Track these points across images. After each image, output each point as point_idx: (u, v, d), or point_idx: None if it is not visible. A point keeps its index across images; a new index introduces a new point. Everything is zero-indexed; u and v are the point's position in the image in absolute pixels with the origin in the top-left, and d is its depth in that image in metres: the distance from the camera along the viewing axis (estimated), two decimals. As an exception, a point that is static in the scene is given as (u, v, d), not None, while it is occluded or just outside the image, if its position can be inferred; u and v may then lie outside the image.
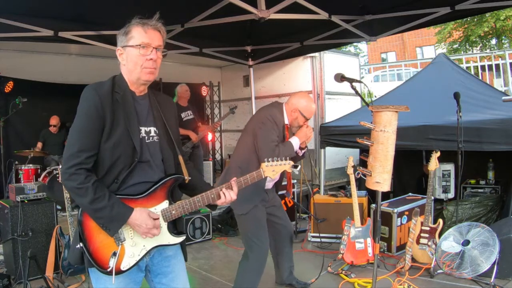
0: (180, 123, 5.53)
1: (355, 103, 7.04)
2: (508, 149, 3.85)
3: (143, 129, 1.69)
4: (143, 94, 1.74)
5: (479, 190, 4.80)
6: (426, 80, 5.28)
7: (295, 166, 1.89)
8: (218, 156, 8.79)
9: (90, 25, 4.15)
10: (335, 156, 6.50)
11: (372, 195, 4.54)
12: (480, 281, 3.25)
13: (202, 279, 3.68)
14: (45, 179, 5.12)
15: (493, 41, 14.59)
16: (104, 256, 1.58)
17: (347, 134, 4.88)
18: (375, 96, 7.98)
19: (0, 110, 5.70)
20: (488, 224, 4.00)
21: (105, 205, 1.53)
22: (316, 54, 6.60)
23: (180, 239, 1.75)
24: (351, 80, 2.52)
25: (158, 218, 1.65)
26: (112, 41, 4.40)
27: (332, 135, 5.13)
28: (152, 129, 1.72)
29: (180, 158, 1.80)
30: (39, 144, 5.97)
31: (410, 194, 4.69)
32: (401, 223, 4.15)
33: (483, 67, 10.73)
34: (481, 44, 14.63)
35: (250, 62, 5.95)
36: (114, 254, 1.58)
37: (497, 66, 10.40)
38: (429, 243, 3.65)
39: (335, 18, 4.19)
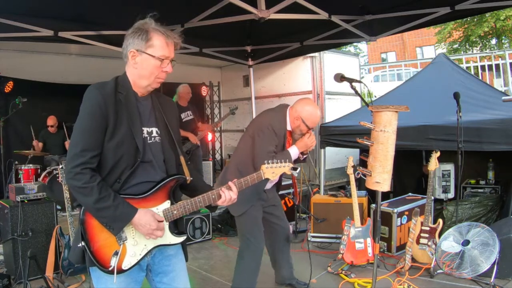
0: (179, 124, 5.55)
1: (355, 103, 7.04)
2: (508, 149, 3.85)
3: (145, 129, 1.70)
4: (145, 95, 1.75)
5: (479, 190, 4.80)
6: (426, 80, 5.28)
7: (295, 169, 1.90)
8: (218, 156, 8.79)
9: (90, 25, 4.15)
10: (335, 156, 6.50)
11: (372, 195, 4.54)
12: (480, 281, 3.25)
13: (202, 279, 3.68)
14: (45, 179, 5.12)
15: (493, 41, 14.59)
16: (106, 255, 1.59)
17: (347, 134, 4.88)
18: (375, 96, 7.97)
19: (0, 110, 5.70)
20: (488, 224, 4.00)
21: (109, 205, 1.53)
22: (316, 54, 6.59)
23: (181, 239, 1.75)
24: (351, 80, 2.52)
25: (162, 221, 1.66)
26: (112, 41, 4.40)
27: (332, 135, 5.13)
28: (154, 129, 1.73)
29: (182, 158, 1.82)
30: (40, 144, 5.96)
31: (410, 194, 4.69)
32: (401, 223, 4.15)
33: (483, 67, 10.72)
34: (481, 44, 14.63)
35: (250, 62, 5.95)
36: (116, 253, 1.58)
37: (497, 66, 10.40)
38: (429, 243, 3.65)
39: (335, 18, 4.19)
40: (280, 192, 4.00)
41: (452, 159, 4.39)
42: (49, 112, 6.11)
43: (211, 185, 1.89)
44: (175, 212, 1.70)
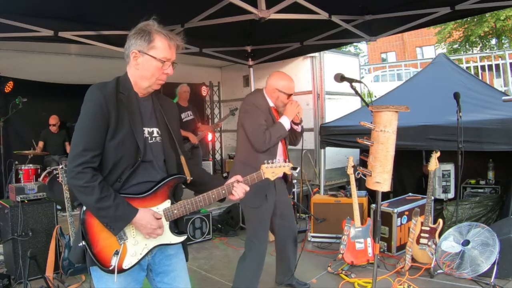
0: (180, 124, 5.55)
1: (355, 103, 7.04)
2: (508, 149, 3.85)
3: (146, 129, 1.70)
4: (146, 95, 1.76)
5: (479, 190, 4.79)
6: (426, 80, 5.27)
7: (294, 168, 1.90)
8: (218, 156, 8.79)
9: (90, 25, 4.14)
10: (335, 156, 6.50)
11: (372, 195, 4.54)
12: (480, 281, 3.25)
13: (202, 279, 3.68)
14: (45, 179, 5.12)
15: (493, 41, 14.59)
16: (106, 255, 1.59)
17: (347, 134, 4.88)
18: (375, 96, 7.98)
19: (0, 110, 5.70)
20: (488, 224, 4.00)
21: (110, 204, 1.54)
22: (316, 54, 6.59)
23: (182, 238, 1.76)
24: (351, 80, 2.52)
25: (161, 218, 1.66)
26: (112, 41, 4.40)
27: (332, 135, 5.13)
28: (155, 130, 1.74)
29: (182, 158, 1.82)
30: (40, 144, 5.97)
31: (410, 194, 4.69)
32: (401, 223, 4.15)
33: (483, 67, 10.72)
34: (481, 44, 14.63)
35: (250, 62, 5.95)
36: (116, 252, 1.59)
37: (497, 66, 10.40)
38: (429, 243, 3.65)
39: (335, 18, 4.19)
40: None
41: (452, 159, 4.39)
42: (49, 112, 6.11)
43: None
44: (175, 211, 1.70)
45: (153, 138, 1.72)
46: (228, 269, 3.86)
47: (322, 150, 5.37)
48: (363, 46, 23.50)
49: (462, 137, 3.67)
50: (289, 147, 3.20)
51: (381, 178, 2.14)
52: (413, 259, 3.67)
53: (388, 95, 5.57)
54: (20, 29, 3.75)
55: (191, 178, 1.80)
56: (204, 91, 8.03)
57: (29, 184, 3.69)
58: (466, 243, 3.35)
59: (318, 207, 4.67)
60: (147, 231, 1.61)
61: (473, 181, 4.93)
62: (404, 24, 4.41)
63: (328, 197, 4.81)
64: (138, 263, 1.65)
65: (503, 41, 14.04)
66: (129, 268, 1.62)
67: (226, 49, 5.60)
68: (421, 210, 3.80)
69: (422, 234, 3.69)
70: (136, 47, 1.64)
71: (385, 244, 4.12)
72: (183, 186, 1.87)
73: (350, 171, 3.93)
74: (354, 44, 19.97)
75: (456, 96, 3.76)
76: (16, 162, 5.37)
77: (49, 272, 3.42)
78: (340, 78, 2.55)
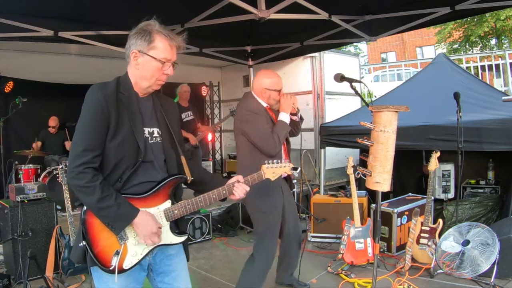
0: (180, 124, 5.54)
1: (355, 103, 7.04)
2: (508, 149, 3.85)
3: (146, 129, 1.71)
4: (146, 95, 1.76)
5: (479, 190, 4.79)
6: (426, 80, 5.27)
7: (295, 169, 1.90)
8: (218, 156, 8.79)
9: (90, 25, 4.15)
10: (335, 156, 6.50)
11: (372, 195, 4.54)
12: (480, 281, 3.25)
13: (202, 279, 3.68)
14: (45, 179, 5.12)
15: (493, 41, 14.59)
16: (107, 255, 1.59)
17: (347, 134, 4.88)
18: (375, 96, 7.97)
19: (0, 110, 5.70)
20: (488, 224, 4.00)
21: (111, 204, 1.54)
22: (316, 54, 6.59)
23: (182, 238, 1.76)
24: (351, 80, 2.52)
25: (161, 227, 1.66)
26: (112, 41, 4.40)
27: (332, 135, 5.13)
28: (155, 130, 1.74)
29: (183, 158, 1.82)
30: (38, 143, 5.96)
31: (410, 194, 4.69)
32: (401, 223, 4.15)
33: (483, 67, 10.72)
34: (481, 44, 14.63)
35: (250, 62, 5.95)
36: (117, 252, 1.59)
37: (497, 66, 10.40)
38: (429, 243, 3.65)
39: (335, 18, 4.19)
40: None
41: (452, 159, 4.40)
42: (49, 112, 6.11)
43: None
44: (176, 211, 1.70)
45: (154, 138, 1.72)
46: (228, 269, 3.86)
47: (322, 150, 5.37)
48: (363, 46, 23.53)
49: (462, 137, 3.67)
50: (291, 147, 3.20)
51: (381, 178, 2.14)
52: (413, 259, 3.67)
53: (388, 95, 5.57)
54: (20, 29, 3.75)
55: (192, 178, 1.80)
56: (204, 91, 8.03)
57: (29, 184, 3.69)
58: (466, 243, 3.35)
59: (318, 207, 4.67)
60: (145, 233, 1.60)
61: (473, 181, 4.93)
62: (404, 24, 4.41)
63: (328, 197, 4.81)
64: (138, 263, 1.65)
65: (503, 41, 14.04)
66: (129, 268, 1.62)
67: (226, 49, 5.60)
68: (421, 210, 3.79)
69: (422, 234, 3.69)
70: (137, 47, 1.64)
71: (385, 244, 4.12)
72: (184, 186, 1.87)
73: (350, 171, 3.93)
74: (354, 44, 19.97)
75: (456, 96, 3.76)
76: (16, 162, 5.37)
77: (49, 272, 3.42)
78: (340, 78, 2.55)
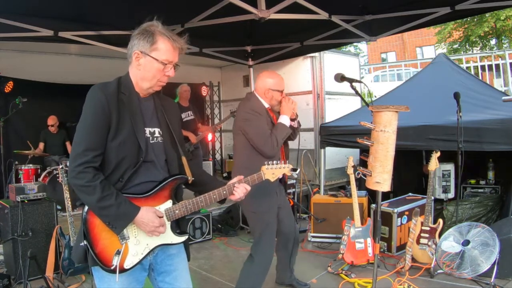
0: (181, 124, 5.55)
1: (355, 103, 7.04)
2: (508, 149, 3.85)
3: (147, 129, 1.71)
4: (147, 96, 1.76)
5: (479, 190, 4.79)
6: (426, 80, 5.27)
7: (294, 170, 1.91)
8: (218, 156, 8.79)
9: (90, 25, 4.15)
10: (335, 156, 6.50)
11: (372, 195, 4.54)
12: (480, 281, 3.25)
13: (202, 279, 3.68)
14: (45, 179, 5.12)
15: (493, 41, 14.59)
16: (108, 254, 1.60)
17: (347, 134, 4.88)
18: (375, 96, 7.97)
19: (0, 110, 5.70)
20: (488, 224, 4.00)
21: (112, 203, 1.54)
22: (316, 54, 6.59)
23: (183, 238, 1.77)
24: (351, 80, 2.52)
25: (162, 216, 1.67)
26: (112, 41, 4.40)
27: (332, 135, 5.13)
28: (157, 130, 1.75)
29: (184, 159, 1.82)
30: (41, 145, 5.97)
31: (410, 194, 4.69)
32: (401, 223, 4.15)
33: (483, 67, 10.72)
34: (481, 44, 14.63)
35: (250, 62, 5.95)
36: (118, 252, 1.59)
37: (497, 66, 10.40)
38: (429, 243, 3.65)
39: (335, 18, 4.19)
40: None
41: (452, 159, 4.39)
42: (49, 112, 6.11)
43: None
44: (177, 211, 1.71)
45: (155, 138, 1.73)
46: (228, 269, 3.86)
47: (322, 150, 5.37)
48: (363, 46, 23.54)
49: (462, 137, 3.67)
50: (290, 147, 3.20)
51: (381, 178, 2.14)
52: (413, 259, 3.67)
53: (388, 95, 5.57)
54: (20, 29, 3.75)
55: (193, 178, 1.80)
56: (204, 91, 8.03)
57: (29, 184, 3.68)
58: (466, 243, 3.35)
59: (318, 207, 4.67)
60: (149, 229, 1.61)
61: (473, 181, 4.92)
62: (404, 24, 4.41)
63: (328, 197, 4.81)
64: (139, 262, 1.66)
65: (503, 41, 14.04)
66: (130, 268, 1.62)
67: (226, 49, 5.60)
68: (421, 210, 3.79)
69: (422, 234, 3.69)
70: (139, 47, 1.65)
71: (385, 244, 4.12)
72: (183, 186, 1.87)
73: (350, 171, 3.93)
74: (354, 44, 19.98)
75: (456, 96, 3.76)
76: (16, 162, 5.37)
77: (49, 272, 3.42)
78: (340, 78, 2.55)
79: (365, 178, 2.23)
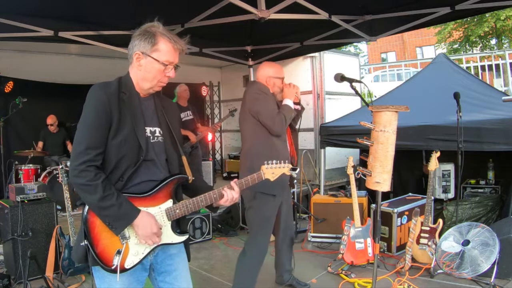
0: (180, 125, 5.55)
1: (355, 103, 7.04)
2: (508, 149, 3.85)
3: (148, 129, 1.71)
4: (147, 96, 1.77)
5: (479, 190, 4.79)
6: (426, 80, 5.28)
7: (294, 169, 1.91)
8: (218, 156, 8.79)
9: (90, 25, 4.14)
10: (335, 156, 6.50)
11: (372, 195, 4.54)
12: (480, 281, 3.25)
13: (202, 279, 3.68)
14: (45, 179, 5.12)
15: (493, 41, 14.59)
16: (109, 254, 1.59)
17: (347, 134, 4.88)
18: (375, 96, 7.98)
19: (0, 110, 5.70)
20: (488, 224, 4.00)
21: (113, 203, 1.54)
22: (316, 54, 6.59)
23: (183, 238, 1.77)
24: (351, 80, 2.52)
25: (162, 228, 1.66)
26: (112, 41, 4.40)
27: (332, 135, 5.13)
28: (157, 129, 1.75)
29: (184, 158, 1.83)
30: (40, 144, 5.97)
31: (410, 194, 4.69)
32: (401, 223, 4.15)
33: (483, 67, 10.72)
34: (481, 44, 14.63)
35: (250, 62, 5.94)
36: (119, 252, 1.59)
37: (497, 66, 10.40)
38: (429, 243, 3.65)
39: (335, 18, 4.18)
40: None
41: (452, 159, 4.39)
42: (49, 112, 6.12)
43: (211, 185, 1.92)
44: (177, 211, 1.71)
45: (155, 138, 1.73)
46: (228, 269, 3.86)
47: (322, 150, 5.37)
48: (363, 46, 23.54)
49: (462, 137, 3.67)
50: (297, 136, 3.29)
51: (381, 178, 2.14)
52: (413, 259, 3.67)
53: (388, 95, 5.57)
54: (20, 29, 3.75)
55: (193, 178, 1.81)
56: (204, 91, 8.03)
57: (29, 184, 3.69)
58: (466, 243, 3.35)
59: (318, 207, 4.67)
60: (146, 233, 1.60)
61: (473, 181, 4.92)
62: (404, 24, 4.41)
63: (328, 197, 4.81)
64: (140, 262, 1.66)
65: (503, 41, 14.05)
66: (131, 268, 1.62)
67: (226, 49, 5.60)
68: (421, 210, 3.79)
69: (422, 234, 3.69)
70: (140, 48, 1.65)
71: (385, 244, 4.12)
72: None
73: (350, 171, 3.93)
74: (354, 44, 19.98)
75: (456, 96, 3.76)
76: (16, 162, 5.38)
77: (49, 272, 3.42)
78: (340, 78, 2.56)
79: (365, 178, 2.23)
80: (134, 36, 1.68)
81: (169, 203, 1.71)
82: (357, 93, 2.54)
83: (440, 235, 3.61)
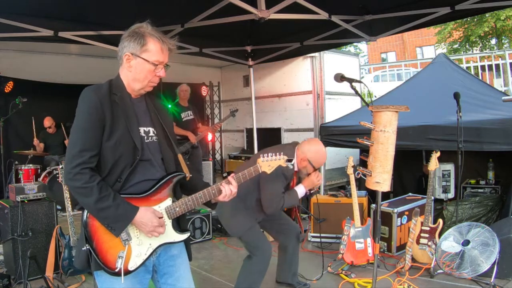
0: (179, 123, 5.56)
1: (355, 103, 7.04)
2: (508, 149, 3.85)
3: (142, 129, 1.72)
4: (139, 96, 1.78)
5: (479, 190, 4.79)
6: (426, 80, 5.28)
7: (289, 160, 1.92)
8: (218, 156, 8.79)
9: (90, 25, 4.15)
10: (335, 156, 6.50)
11: (372, 195, 4.54)
12: (480, 281, 3.25)
13: (202, 279, 3.68)
14: (45, 179, 5.12)
15: (493, 41, 14.59)
16: (111, 257, 1.59)
17: (347, 134, 4.88)
18: (375, 96, 7.98)
19: (0, 110, 5.70)
20: (488, 224, 4.00)
21: (110, 204, 1.54)
22: (316, 54, 6.59)
23: (185, 236, 1.77)
24: (351, 80, 2.52)
25: (162, 217, 1.66)
26: (112, 41, 4.40)
27: (332, 135, 5.13)
28: (151, 129, 1.75)
29: (180, 156, 1.83)
30: (41, 145, 5.96)
31: (410, 194, 4.69)
32: (401, 223, 4.15)
33: (483, 67, 10.72)
34: (481, 44, 14.63)
35: (250, 62, 5.95)
36: (121, 254, 1.59)
37: (497, 66, 10.40)
38: (429, 243, 3.65)
39: (335, 18, 4.19)
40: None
41: (452, 159, 4.39)
42: (49, 112, 6.12)
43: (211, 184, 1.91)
44: (177, 209, 1.71)
45: (150, 138, 1.73)
46: (228, 269, 3.86)
47: (322, 150, 5.36)
48: (363, 46, 23.52)
49: (462, 137, 3.67)
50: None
51: (381, 178, 2.14)
52: (413, 259, 3.67)
53: (388, 95, 5.57)
54: (20, 29, 3.75)
55: (190, 175, 1.81)
56: (204, 91, 8.03)
57: (29, 184, 3.68)
58: (466, 243, 3.35)
59: (318, 207, 4.66)
60: (149, 229, 1.60)
61: (473, 181, 4.92)
62: (404, 24, 4.41)
63: (328, 197, 4.81)
64: (143, 264, 1.65)
65: (503, 41, 14.04)
66: (134, 269, 1.62)
67: (226, 49, 5.60)
68: (421, 210, 3.79)
69: (422, 234, 3.69)
70: (129, 49, 1.66)
71: (385, 244, 4.12)
72: None
73: (350, 171, 3.93)
74: (354, 44, 19.97)
75: (456, 96, 3.76)
76: (16, 162, 5.38)
77: (49, 272, 3.42)
78: (340, 78, 2.55)
79: (365, 178, 2.23)
80: (123, 37, 1.69)
81: (169, 201, 1.71)
82: (357, 93, 2.54)
83: (440, 235, 3.61)
